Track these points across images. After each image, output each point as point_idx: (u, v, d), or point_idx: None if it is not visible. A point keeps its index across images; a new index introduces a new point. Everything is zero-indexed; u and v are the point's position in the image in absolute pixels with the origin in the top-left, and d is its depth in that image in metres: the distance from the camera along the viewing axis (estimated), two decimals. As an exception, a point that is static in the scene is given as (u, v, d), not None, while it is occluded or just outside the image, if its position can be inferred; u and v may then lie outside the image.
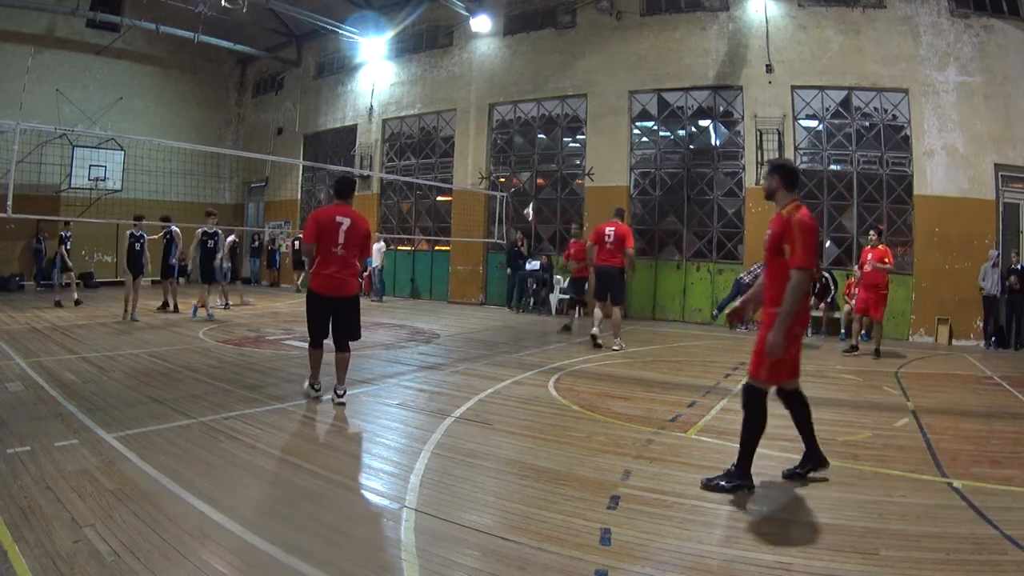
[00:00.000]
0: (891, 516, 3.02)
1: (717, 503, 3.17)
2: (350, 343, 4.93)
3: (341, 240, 4.74)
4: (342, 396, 4.90)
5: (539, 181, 14.30)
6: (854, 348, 8.67)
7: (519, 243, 13.30)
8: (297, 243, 14.93)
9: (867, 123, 11.23)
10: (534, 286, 13.39)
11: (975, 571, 2.52)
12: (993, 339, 10.07)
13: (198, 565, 2.36)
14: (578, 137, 13.83)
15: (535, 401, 5.32)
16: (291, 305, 12.74)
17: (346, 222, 4.79)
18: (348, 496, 3.25)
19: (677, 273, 12.43)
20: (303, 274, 15.82)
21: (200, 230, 10.46)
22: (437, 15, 15.04)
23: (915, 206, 10.73)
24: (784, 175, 3.45)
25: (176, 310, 10.67)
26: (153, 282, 12.61)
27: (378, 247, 13.91)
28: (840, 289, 10.63)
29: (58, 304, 10.89)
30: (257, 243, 18.46)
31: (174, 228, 10.60)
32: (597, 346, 8.20)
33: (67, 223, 12.29)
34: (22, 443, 3.61)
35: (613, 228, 8.22)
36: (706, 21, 12.19)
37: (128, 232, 9.79)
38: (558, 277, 13.23)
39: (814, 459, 3.52)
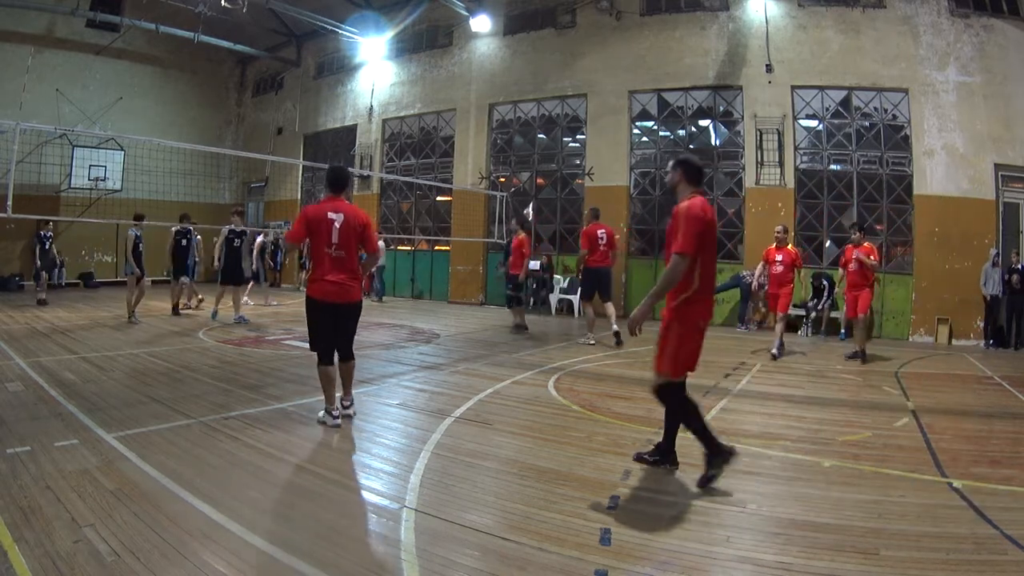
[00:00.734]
0: (891, 516, 3.02)
1: (717, 503, 3.17)
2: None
3: (335, 239, 4.16)
4: (348, 408, 4.47)
5: (539, 181, 14.30)
6: (858, 354, 7.95)
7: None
8: (274, 246, 14.84)
9: (867, 123, 11.23)
10: (534, 286, 13.38)
11: (975, 571, 2.52)
12: (991, 341, 10.05)
13: (198, 565, 2.36)
14: (578, 137, 13.84)
15: (535, 401, 5.32)
16: (291, 305, 12.74)
17: (339, 218, 4.18)
18: (348, 496, 3.25)
19: (677, 273, 12.40)
20: (304, 274, 15.84)
21: (226, 228, 10.14)
22: (437, 15, 15.04)
23: (915, 206, 10.73)
24: (687, 169, 3.60)
25: (177, 311, 10.64)
26: (154, 281, 12.57)
27: (379, 246, 13.90)
28: (843, 287, 10.62)
29: (40, 302, 10.94)
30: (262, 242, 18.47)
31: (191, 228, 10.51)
32: (620, 343, 8.32)
33: (47, 223, 11.95)
34: (22, 443, 3.61)
35: (603, 230, 8.54)
36: (706, 21, 12.19)
37: (174, 229, 9.67)
38: (558, 277, 13.24)
39: (663, 451, 3.67)
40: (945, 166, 10.47)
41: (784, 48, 11.48)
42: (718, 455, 3.37)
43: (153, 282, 12.67)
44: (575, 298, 12.56)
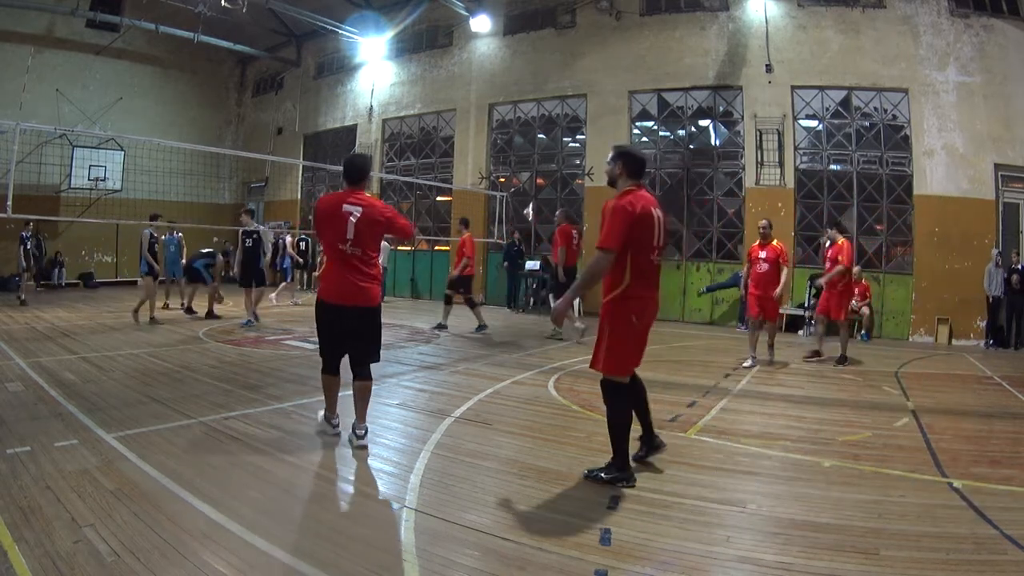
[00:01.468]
0: (891, 516, 3.02)
1: (717, 503, 3.17)
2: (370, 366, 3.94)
3: (350, 235, 3.74)
4: (363, 437, 3.83)
5: (539, 181, 14.30)
6: (816, 354, 7.82)
7: (517, 242, 13.31)
8: (303, 243, 14.82)
9: (867, 123, 11.23)
10: (534, 286, 13.39)
11: (975, 571, 2.52)
12: (991, 341, 10.05)
13: (198, 565, 2.35)
14: (578, 137, 13.84)
15: (535, 401, 5.32)
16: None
17: (357, 211, 3.74)
18: (348, 496, 3.25)
19: (677, 273, 12.42)
20: (303, 274, 15.83)
21: (241, 231, 9.86)
22: (437, 15, 15.04)
23: (915, 206, 10.73)
24: (627, 161, 3.38)
25: (174, 308, 10.61)
26: (159, 281, 12.55)
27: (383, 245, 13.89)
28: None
29: (21, 302, 10.98)
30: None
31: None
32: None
33: (28, 223, 11.65)
34: (22, 443, 3.60)
35: (575, 229, 9.37)
36: (706, 21, 12.19)
37: (241, 231, 9.59)
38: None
39: (648, 443, 3.67)
40: (945, 166, 10.47)
41: (784, 48, 11.49)
42: (620, 469, 3.33)
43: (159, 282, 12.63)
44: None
